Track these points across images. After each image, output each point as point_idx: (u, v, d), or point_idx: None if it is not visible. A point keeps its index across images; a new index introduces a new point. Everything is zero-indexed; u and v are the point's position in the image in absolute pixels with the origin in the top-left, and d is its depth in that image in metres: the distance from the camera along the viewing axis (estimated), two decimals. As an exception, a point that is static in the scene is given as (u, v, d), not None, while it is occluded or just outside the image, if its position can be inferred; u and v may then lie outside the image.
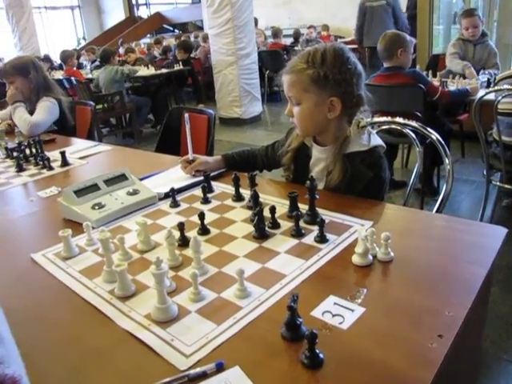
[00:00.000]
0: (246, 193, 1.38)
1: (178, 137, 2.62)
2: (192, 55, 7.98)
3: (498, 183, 2.78)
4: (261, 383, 0.68)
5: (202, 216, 1.17)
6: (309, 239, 1.09)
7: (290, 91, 1.36)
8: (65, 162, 1.99)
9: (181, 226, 1.12)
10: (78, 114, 3.27)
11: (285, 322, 0.76)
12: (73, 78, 6.01)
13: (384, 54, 3.13)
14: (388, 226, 1.12)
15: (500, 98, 2.54)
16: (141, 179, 1.57)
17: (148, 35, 15.68)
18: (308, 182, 1.14)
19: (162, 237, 1.16)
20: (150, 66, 6.42)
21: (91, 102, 3.18)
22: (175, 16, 15.60)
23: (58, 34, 16.47)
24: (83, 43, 16.15)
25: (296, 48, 8.20)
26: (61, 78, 6.53)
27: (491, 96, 2.65)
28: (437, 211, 1.45)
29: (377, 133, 1.51)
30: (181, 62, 6.51)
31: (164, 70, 6.30)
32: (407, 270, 0.94)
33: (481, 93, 2.87)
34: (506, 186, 2.75)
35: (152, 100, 6.28)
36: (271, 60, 7.42)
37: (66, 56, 6.78)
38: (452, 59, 3.81)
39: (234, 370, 0.71)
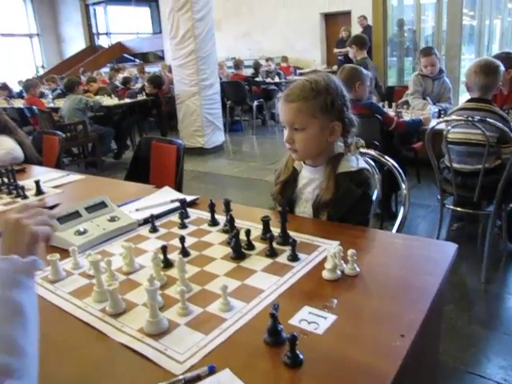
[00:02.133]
0: (220, 218, 1.48)
1: (147, 166, 2.70)
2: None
3: (450, 206, 2.98)
4: (249, 382, 0.77)
5: (182, 239, 1.26)
6: (282, 258, 1.20)
7: (295, 117, 1.42)
8: (39, 191, 2.03)
9: (164, 249, 1.21)
10: (46, 143, 3.30)
11: (267, 328, 0.86)
12: (34, 107, 5.99)
13: (342, 87, 3.33)
14: (353, 245, 1.24)
15: (449, 127, 2.76)
16: (119, 206, 1.65)
17: (108, 64, 15.74)
18: (280, 206, 1.26)
19: (145, 259, 1.26)
20: (112, 95, 6.47)
21: (59, 132, 3.22)
22: (136, 46, 15.77)
23: (16, 61, 16.26)
24: (42, 71, 16.02)
25: (257, 79, 8.47)
26: (21, 106, 6.50)
27: (442, 126, 2.87)
28: (397, 231, 1.58)
29: None
30: (144, 93, 6.59)
31: (127, 100, 6.37)
32: (371, 282, 1.06)
33: (433, 123, 3.10)
34: (458, 208, 2.95)
35: (115, 130, 6.31)
36: (233, 91, 7.62)
37: (29, 85, 6.76)
38: (414, 99, 4.09)
39: (225, 372, 0.80)
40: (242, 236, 1.27)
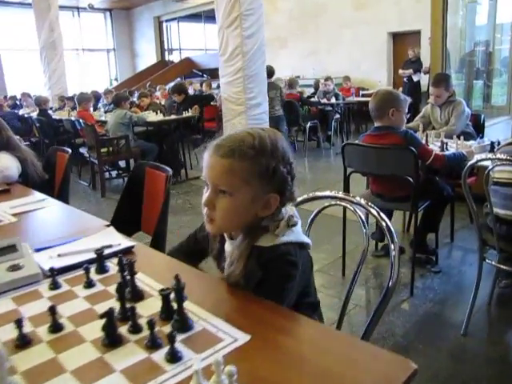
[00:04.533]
0: (140, 279, 1.18)
1: (141, 191, 2.49)
2: (213, 103, 8.00)
3: (492, 262, 2.47)
4: None
5: (52, 310, 0.97)
6: (160, 354, 0.87)
7: (224, 178, 1.08)
8: (-8, 219, 1.84)
9: (18, 324, 0.93)
10: (58, 159, 3.20)
11: None
12: (81, 120, 6.05)
13: (375, 113, 2.94)
14: (268, 345, 0.89)
15: (491, 166, 2.31)
16: (39, 249, 1.40)
17: (178, 79, 16.08)
18: (174, 280, 0.94)
19: (7, 330, 0.98)
20: (159, 111, 6.41)
21: (68, 149, 3.10)
22: (204, 62, 15.99)
23: (93, 74, 17.15)
24: (115, 84, 16.69)
25: (312, 99, 8.14)
26: (72, 119, 6.61)
27: (487, 162, 2.42)
28: (363, 335, 1.18)
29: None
30: (189, 110, 6.46)
31: (173, 117, 6.27)
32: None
33: (474, 159, 2.63)
34: (502, 266, 2.44)
35: (160, 146, 6.23)
36: (285, 110, 7.34)
37: (82, 98, 6.89)
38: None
39: None
40: (147, 308, 0.97)
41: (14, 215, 1.91)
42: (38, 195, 2.28)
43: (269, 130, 1.13)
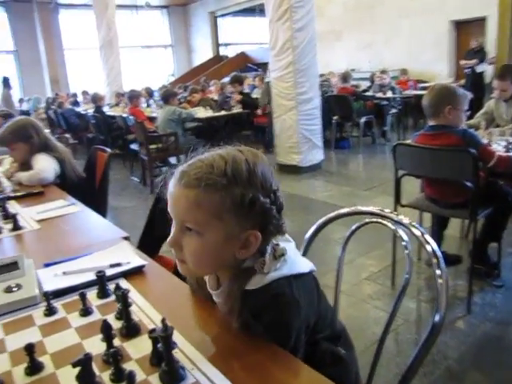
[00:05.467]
0: (141, 308, 1.05)
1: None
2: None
3: None
4: None
5: (29, 350, 0.85)
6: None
7: (186, 214, 0.89)
8: (16, 226, 1.78)
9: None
10: (98, 159, 3.17)
11: None
12: (131, 117, 6.09)
13: (429, 111, 2.67)
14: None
15: None
16: (48, 264, 1.30)
17: (233, 73, 16.07)
18: (162, 325, 0.79)
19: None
20: (208, 107, 6.34)
21: (108, 149, 3.06)
22: (258, 56, 15.86)
23: (152, 70, 17.50)
24: (172, 79, 16.91)
25: (367, 93, 7.81)
26: (124, 115, 6.69)
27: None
28: None
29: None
30: (241, 105, 6.35)
31: (222, 112, 6.18)
32: None
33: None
34: None
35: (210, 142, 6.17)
36: (339, 105, 7.08)
37: (132, 95, 6.94)
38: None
39: None
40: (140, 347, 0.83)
41: (39, 221, 1.85)
42: (68, 199, 2.21)
43: (247, 152, 0.92)
